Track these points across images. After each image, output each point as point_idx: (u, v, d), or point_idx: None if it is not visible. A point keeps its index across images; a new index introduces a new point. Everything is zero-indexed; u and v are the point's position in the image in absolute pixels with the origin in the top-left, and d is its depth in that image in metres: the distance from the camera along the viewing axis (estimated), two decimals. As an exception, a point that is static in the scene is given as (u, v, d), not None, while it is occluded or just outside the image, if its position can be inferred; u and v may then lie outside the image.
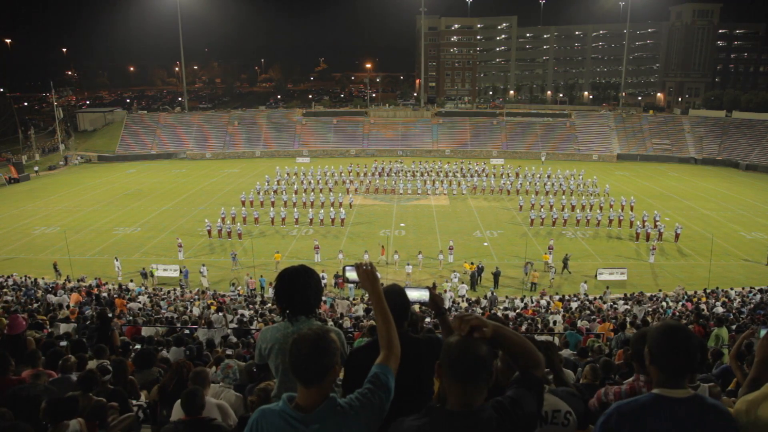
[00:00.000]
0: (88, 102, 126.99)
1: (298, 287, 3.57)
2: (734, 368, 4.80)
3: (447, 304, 23.21)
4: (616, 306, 22.71)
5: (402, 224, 39.92)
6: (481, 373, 2.36)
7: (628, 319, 16.32)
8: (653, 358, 2.59)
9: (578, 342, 12.47)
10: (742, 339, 5.17)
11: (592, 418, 3.55)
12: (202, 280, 28.47)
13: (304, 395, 2.56)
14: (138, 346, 10.41)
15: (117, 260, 30.10)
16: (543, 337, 13.28)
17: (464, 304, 23.79)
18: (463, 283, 28.00)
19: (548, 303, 23.88)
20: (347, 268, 3.33)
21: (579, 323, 17.43)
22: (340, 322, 17.82)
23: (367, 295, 3.12)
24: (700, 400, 2.52)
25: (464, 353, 2.36)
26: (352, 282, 3.30)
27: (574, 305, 23.15)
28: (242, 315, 18.73)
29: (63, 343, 9.36)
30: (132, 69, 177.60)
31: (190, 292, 26.83)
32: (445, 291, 26.20)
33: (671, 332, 2.55)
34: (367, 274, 3.04)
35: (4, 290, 22.37)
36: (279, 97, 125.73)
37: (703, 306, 21.46)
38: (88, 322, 13.34)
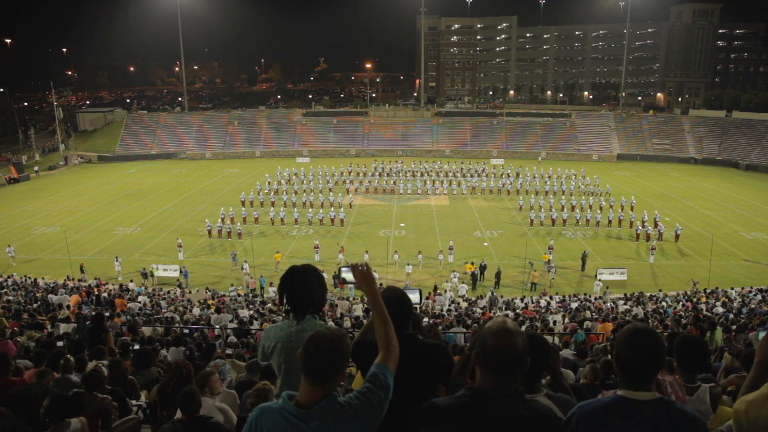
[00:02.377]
0: (88, 102, 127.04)
1: (305, 285, 3.53)
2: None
3: (447, 304, 23.19)
4: (615, 305, 22.69)
5: (402, 224, 39.90)
6: (516, 371, 2.46)
7: (627, 320, 16.31)
8: (618, 361, 2.57)
9: (584, 340, 12.47)
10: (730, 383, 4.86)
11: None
12: (245, 278, 28.98)
13: (306, 392, 2.56)
14: (137, 347, 10.39)
15: (117, 260, 30.12)
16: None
17: (464, 304, 23.77)
18: (463, 282, 27.99)
19: (548, 303, 23.87)
20: (343, 269, 3.30)
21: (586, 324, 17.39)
22: (340, 322, 17.83)
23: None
24: (666, 404, 2.50)
25: (501, 352, 2.43)
26: (349, 283, 3.27)
27: (574, 305, 23.14)
28: (241, 315, 18.70)
29: (59, 344, 9.35)
30: (132, 69, 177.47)
31: (190, 292, 26.85)
32: (446, 291, 26.20)
33: (636, 335, 2.53)
34: (363, 274, 3.02)
35: (4, 290, 22.36)
36: (279, 97, 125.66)
37: (702, 306, 21.46)
38: (87, 322, 13.33)
